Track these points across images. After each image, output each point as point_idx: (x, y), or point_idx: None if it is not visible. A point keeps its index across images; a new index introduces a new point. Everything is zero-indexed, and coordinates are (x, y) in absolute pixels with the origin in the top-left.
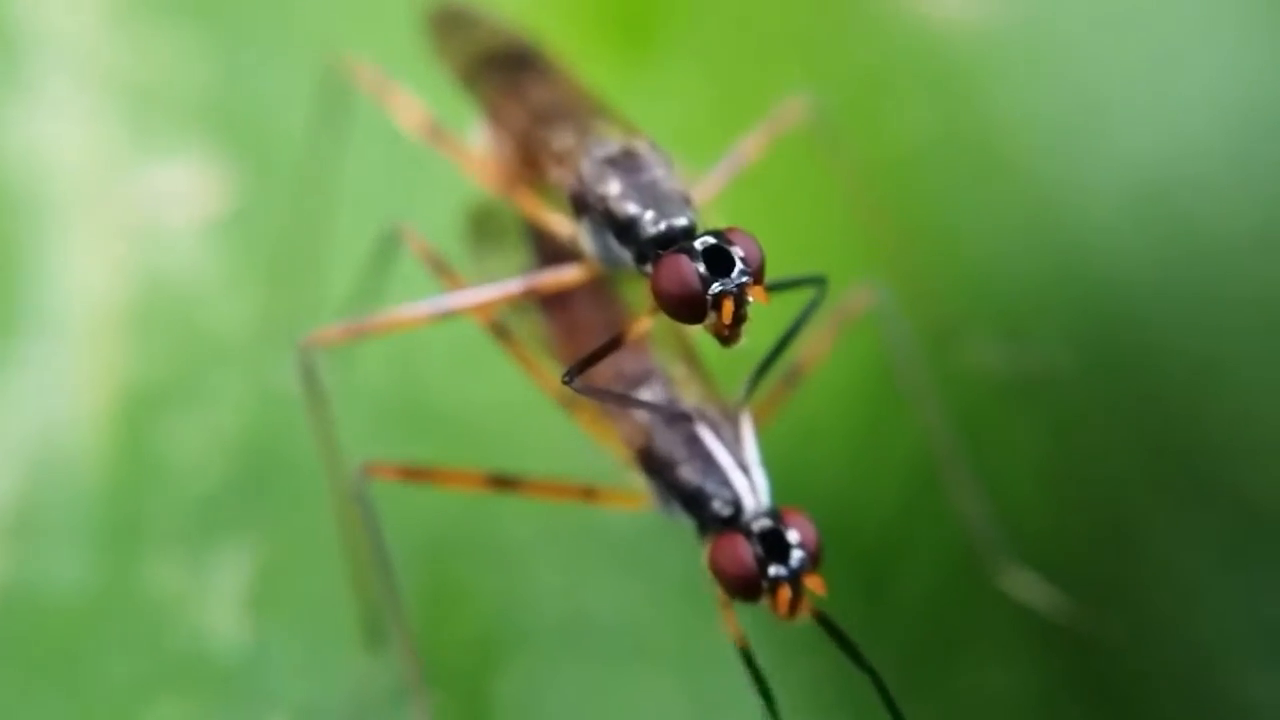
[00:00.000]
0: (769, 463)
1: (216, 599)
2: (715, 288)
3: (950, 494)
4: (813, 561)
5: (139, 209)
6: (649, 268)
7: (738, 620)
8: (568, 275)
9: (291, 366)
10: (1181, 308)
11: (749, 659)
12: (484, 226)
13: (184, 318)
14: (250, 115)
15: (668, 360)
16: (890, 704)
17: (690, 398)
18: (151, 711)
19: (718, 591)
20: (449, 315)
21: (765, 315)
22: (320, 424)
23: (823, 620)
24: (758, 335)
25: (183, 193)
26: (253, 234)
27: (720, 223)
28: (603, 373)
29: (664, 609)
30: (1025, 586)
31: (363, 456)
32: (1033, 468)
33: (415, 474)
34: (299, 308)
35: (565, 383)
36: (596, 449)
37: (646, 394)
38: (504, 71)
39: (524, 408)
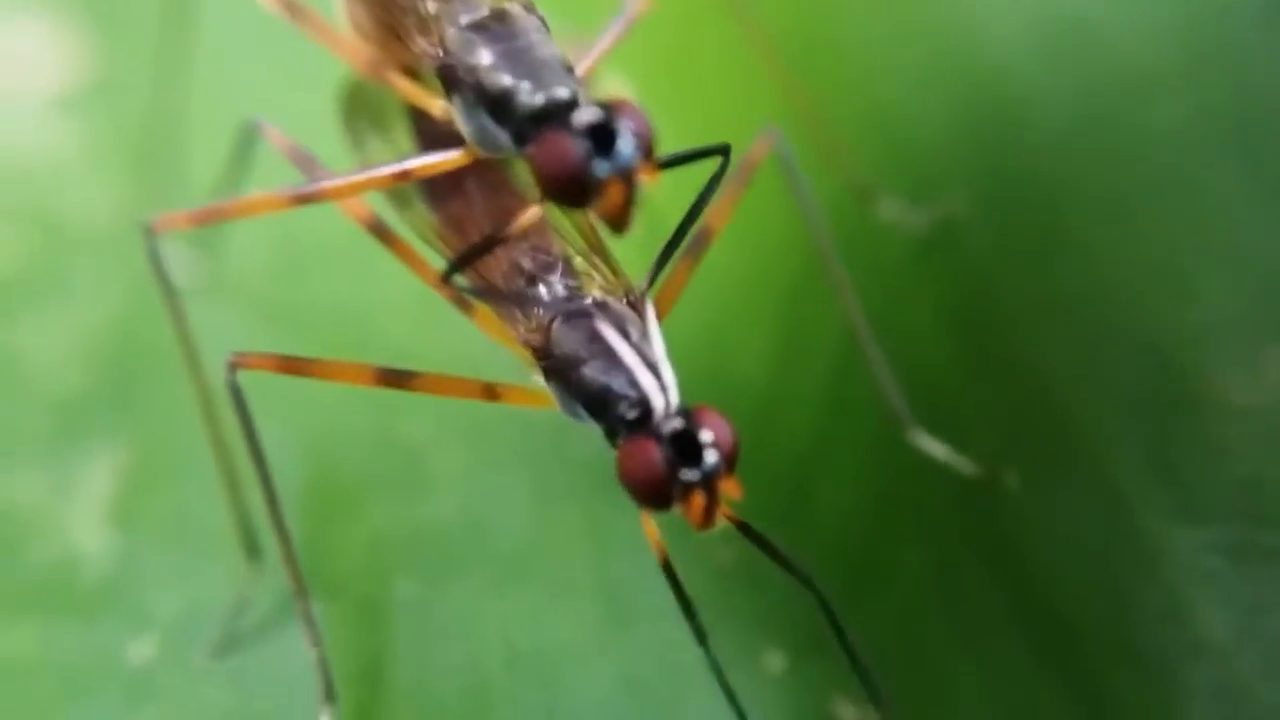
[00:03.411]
0: (679, 353)
1: (79, 510)
2: (602, 169)
3: (862, 355)
4: (728, 464)
5: None
6: (529, 149)
7: (657, 529)
8: (446, 159)
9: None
10: (1089, 149)
11: (669, 572)
12: (361, 112)
13: (38, 202)
14: None
15: (569, 251)
16: (830, 616)
17: (595, 290)
18: (9, 634)
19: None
20: (310, 200)
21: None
22: (174, 313)
23: (743, 528)
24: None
25: (33, 59)
26: (113, 110)
27: (614, 81)
28: (496, 267)
29: (570, 504)
30: (933, 445)
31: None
32: (944, 321)
33: (293, 366)
34: (160, 195)
35: (444, 279)
36: (495, 349)
37: (545, 288)
38: None
39: (415, 307)
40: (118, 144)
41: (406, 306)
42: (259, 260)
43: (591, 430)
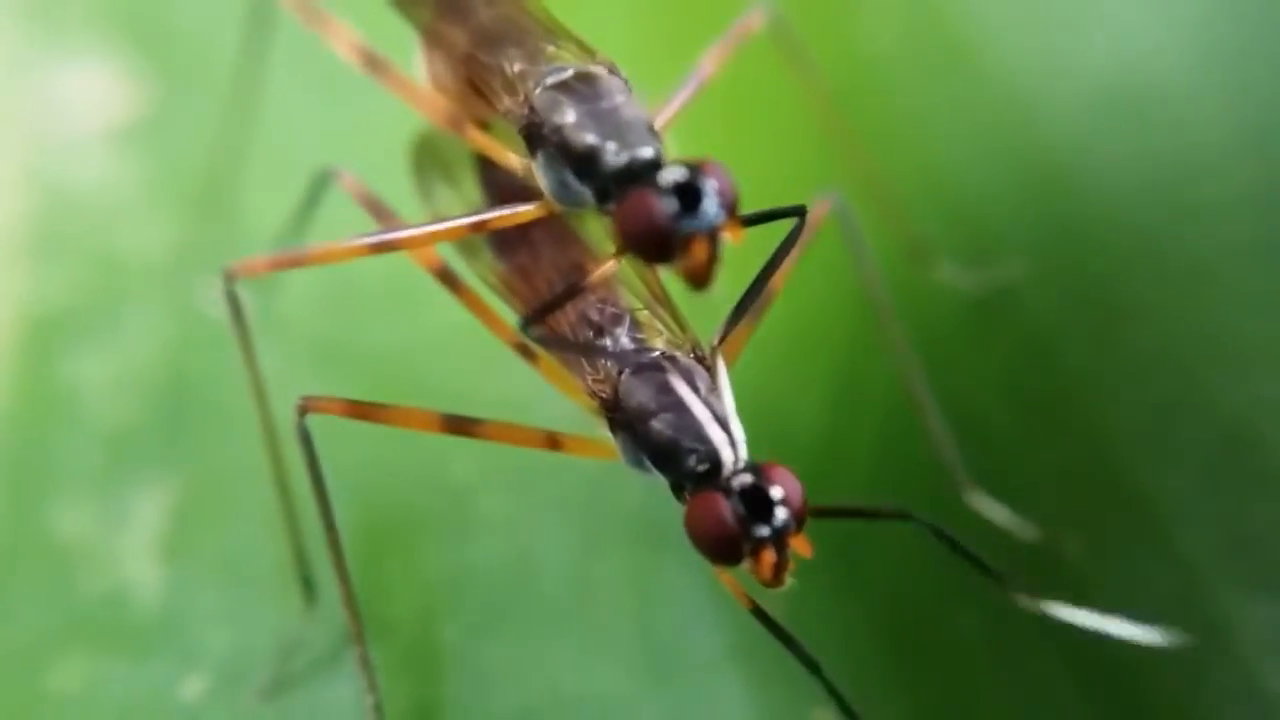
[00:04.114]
0: (743, 410)
1: (130, 545)
2: (688, 227)
3: (918, 415)
4: (797, 521)
5: (42, 115)
6: (612, 205)
7: (733, 576)
8: (521, 212)
9: (214, 295)
10: (1152, 218)
11: (762, 616)
12: (431, 162)
13: (93, 237)
14: (165, 17)
15: (636, 304)
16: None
17: (661, 343)
18: (60, 667)
19: None
20: (386, 249)
21: None
22: (248, 356)
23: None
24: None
25: (91, 98)
26: (168, 147)
27: (681, 147)
28: (564, 317)
29: (615, 552)
30: (992, 507)
31: (295, 394)
32: (1002, 385)
33: (362, 411)
34: (220, 234)
35: (522, 330)
36: (559, 400)
37: (612, 340)
38: None
39: (465, 351)
40: (175, 183)
41: (457, 350)
42: (311, 301)
43: (643, 480)
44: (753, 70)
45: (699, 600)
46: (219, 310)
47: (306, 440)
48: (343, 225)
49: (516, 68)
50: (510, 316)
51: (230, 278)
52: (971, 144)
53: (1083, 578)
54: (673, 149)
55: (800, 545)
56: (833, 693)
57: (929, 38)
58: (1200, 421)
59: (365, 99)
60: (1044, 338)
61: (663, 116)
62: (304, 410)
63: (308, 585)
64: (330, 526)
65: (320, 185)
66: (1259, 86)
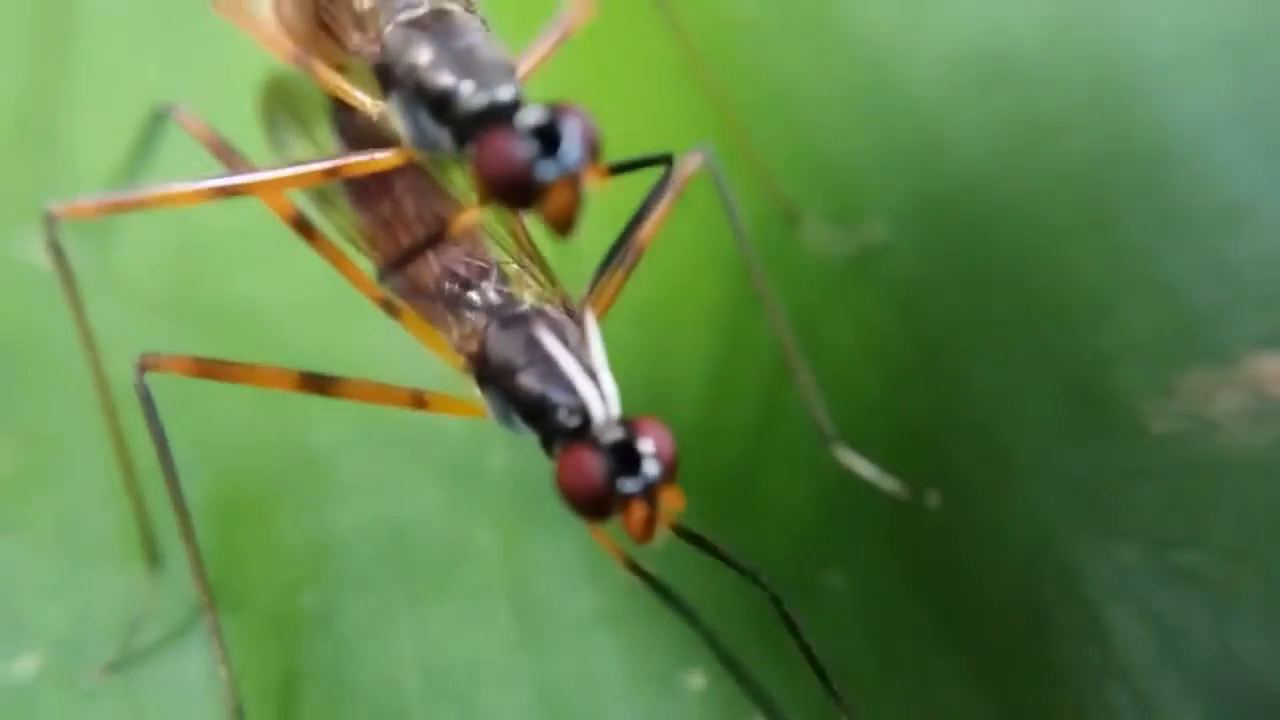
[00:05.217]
0: (617, 363)
1: None
2: (548, 171)
3: (789, 374)
4: (668, 473)
5: None
6: (470, 149)
7: (609, 535)
8: (378, 159)
9: (37, 243)
10: (1010, 182)
11: (639, 572)
12: (281, 105)
13: None
14: None
15: (504, 257)
16: (784, 613)
17: (529, 297)
18: None
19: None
20: (232, 194)
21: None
22: (75, 305)
23: (681, 531)
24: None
25: None
26: None
27: (544, 97)
28: (428, 271)
29: (484, 516)
30: (860, 463)
31: (133, 351)
32: (868, 344)
33: (208, 369)
34: (42, 178)
35: (379, 281)
36: (423, 356)
37: (479, 294)
38: None
39: (332, 309)
40: None
41: (314, 307)
42: (152, 253)
43: (512, 440)
44: (619, 27)
45: (571, 564)
46: (43, 259)
47: (147, 399)
48: (184, 170)
49: (366, 3)
50: (373, 272)
51: (52, 221)
52: (838, 107)
53: (943, 528)
54: (537, 98)
55: (671, 498)
56: (711, 643)
57: (795, 1)
58: (1053, 378)
59: (208, 30)
60: (907, 297)
61: (524, 65)
62: (144, 368)
63: (152, 553)
64: (175, 488)
65: (157, 122)
66: (1110, 52)
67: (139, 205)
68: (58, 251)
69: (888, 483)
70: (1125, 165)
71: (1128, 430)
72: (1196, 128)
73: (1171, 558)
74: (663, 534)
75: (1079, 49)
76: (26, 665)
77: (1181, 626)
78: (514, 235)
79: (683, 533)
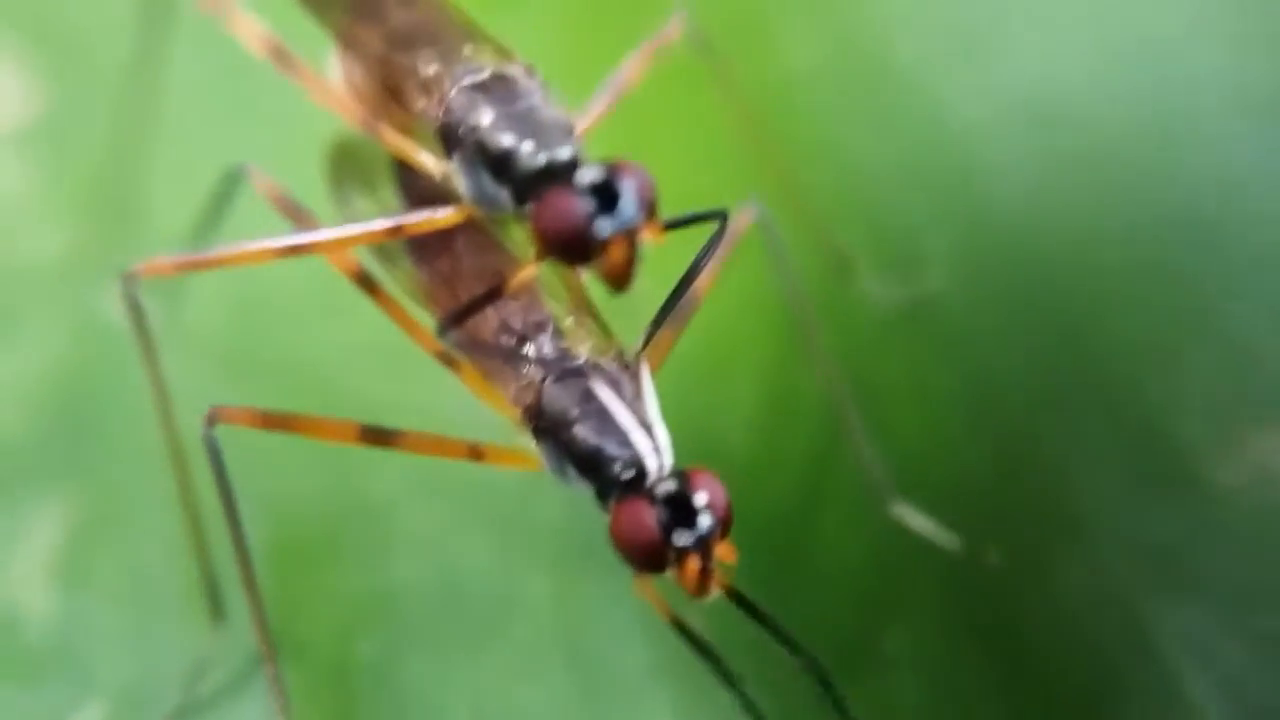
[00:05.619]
0: (674, 417)
1: (21, 566)
2: (605, 227)
3: (841, 426)
4: (722, 527)
5: None
6: (529, 207)
7: (655, 588)
8: (440, 217)
9: (113, 299)
10: (1065, 232)
11: (682, 629)
12: (347, 167)
13: None
14: (59, 10)
15: (559, 311)
16: (835, 697)
17: (585, 350)
18: None
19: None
20: (301, 252)
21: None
22: (150, 361)
23: (738, 598)
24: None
25: None
26: (64, 148)
27: (597, 149)
28: (486, 325)
29: (539, 568)
30: (916, 518)
31: (200, 404)
32: (924, 396)
33: (275, 422)
34: (121, 237)
35: (439, 334)
36: (480, 408)
37: (535, 348)
38: None
39: (392, 362)
40: (73, 184)
41: (374, 360)
42: (219, 309)
43: (566, 493)
44: (673, 85)
45: (626, 616)
46: (119, 316)
47: (215, 452)
48: (253, 229)
49: (432, 69)
50: (432, 326)
51: (131, 280)
52: (891, 159)
53: (1002, 585)
54: (593, 156)
55: (724, 552)
56: (751, 709)
57: (849, 55)
58: (1115, 429)
59: (278, 98)
60: (962, 347)
61: (581, 125)
62: (212, 420)
63: (215, 604)
64: (239, 540)
65: (230, 184)
66: (1168, 102)
67: (213, 264)
68: (136, 308)
69: (945, 539)
70: (1185, 214)
71: (1194, 484)
72: (1258, 174)
73: (1246, 619)
74: (716, 591)
75: (1136, 100)
76: (92, 714)
77: (1260, 691)
78: (570, 290)
79: (735, 597)
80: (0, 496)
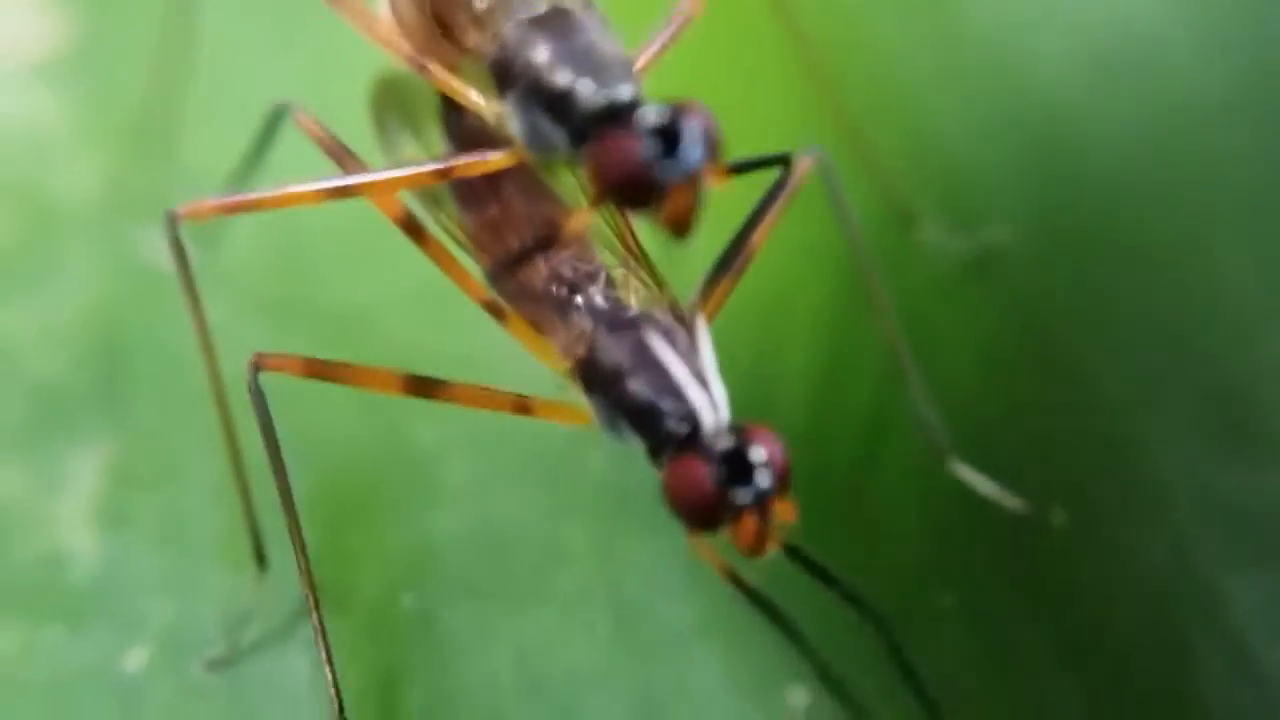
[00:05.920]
0: (727, 370)
1: (66, 508)
2: (668, 171)
3: (902, 382)
4: (781, 484)
5: None
6: (587, 150)
7: (710, 545)
8: (489, 160)
9: (155, 241)
10: (1142, 176)
11: (741, 584)
12: (393, 106)
13: (21, 178)
14: None
15: (611, 261)
16: (896, 650)
17: (637, 302)
18: None
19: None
20: (346, 195)
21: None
22: (194, 305)
23: (798, 555)
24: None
25: (17, 29)
26: (102, 82)
27: (658, 94)
28: (536, 274)
29: (582, 521)
30: (976, 477)
31: (240, 350)
32: (987, 351)
33: (320, 370)
34: (161, 176)
35: (490, 284)
36: (529, 359)
37: (586, 298)
38: None
39: (437, 310)
40: (111, 120)
41: (419, 308)
42: (260, 253)
43: (610, 446)
44: (731, 20)
45: (669, 571)
46: (160, 257)
47: (260, 399)
48: (296, 169)
49: (485, 3)
50: (478, 273)
51: (174, 221)
52: (960, 107)
53: (1067, 548)
54: (650, 95)
55: (784, 510)
56: (812, 659)
57: (924, 17)
58: (1192, 389)
59: (322, 32)
60: (1029, 302)
61: (642, 58)
62: (257, 367)
63: (260, 552)
64: (285, 490)
65: (274, 123)
66: (1248, 42)
67: (257, 206)
68: (180, 251)
69: (1009, 499)
70: (1272, 165)
71: (1272, 448)
72: None
73: None
74: (773, 548)
75: (1216, 39)
76: (138, 658)
77: None
78: (621, 238)
79: (788, 550)
80: (43, 439)
